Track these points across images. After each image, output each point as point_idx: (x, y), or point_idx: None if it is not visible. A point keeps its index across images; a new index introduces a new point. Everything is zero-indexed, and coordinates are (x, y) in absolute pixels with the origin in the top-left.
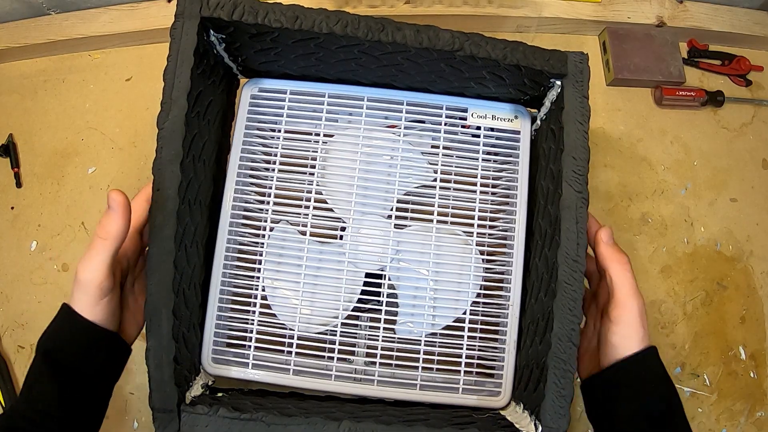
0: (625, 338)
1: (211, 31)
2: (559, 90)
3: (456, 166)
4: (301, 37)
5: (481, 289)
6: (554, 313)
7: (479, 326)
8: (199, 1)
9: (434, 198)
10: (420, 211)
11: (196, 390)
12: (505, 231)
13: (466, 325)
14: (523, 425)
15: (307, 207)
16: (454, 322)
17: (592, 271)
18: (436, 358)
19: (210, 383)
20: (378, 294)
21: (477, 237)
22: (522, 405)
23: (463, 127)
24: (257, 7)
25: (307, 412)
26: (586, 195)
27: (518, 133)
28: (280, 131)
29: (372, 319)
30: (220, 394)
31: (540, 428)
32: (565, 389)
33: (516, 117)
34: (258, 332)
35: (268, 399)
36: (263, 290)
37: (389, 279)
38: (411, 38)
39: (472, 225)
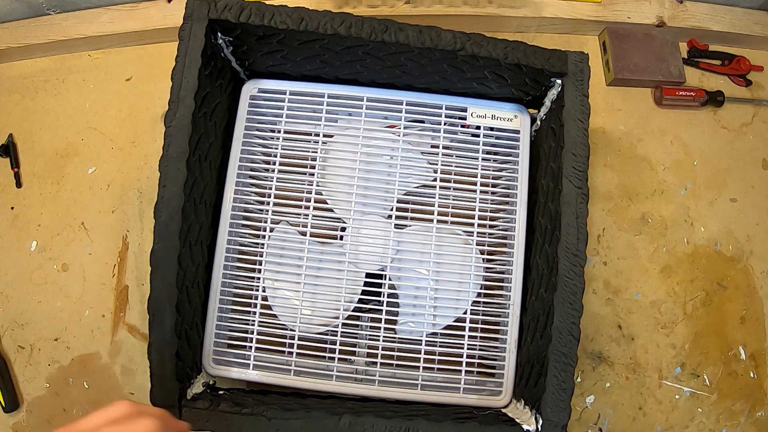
0: None
1: (219, 34)
2: (559, 89)
3: (456, 166)
4: (306, 39)
5: (481, 288)
6: (555, 306)
7: (480, 326)
8: (207, 4)
9: (434, 198)
10: (420, 211)
11: (197, 388)
12: (506, 230)
13: (467, 324)
14: (524, 419)
15: (307, 207)
16: (454, 321)
17: None
18: (437, 357)
19: (211, 383)
20: (379, 294)
21: (477, 237)
22: (523, 401)
23: (462, 126)
24: (263, 9)
25: (308, 407)
26: (586, 191)
27: (518, 132)
28: (279, 131)
29: (373, 320)
30: (221, 392)
31: (541, 422)
32: (566, 382)
33: (516, 116)
34: (259, 333)
35: (269, 396)
36: (264, 291)
37: (390, 279)
38: (414, 38)
39: (472, 224)
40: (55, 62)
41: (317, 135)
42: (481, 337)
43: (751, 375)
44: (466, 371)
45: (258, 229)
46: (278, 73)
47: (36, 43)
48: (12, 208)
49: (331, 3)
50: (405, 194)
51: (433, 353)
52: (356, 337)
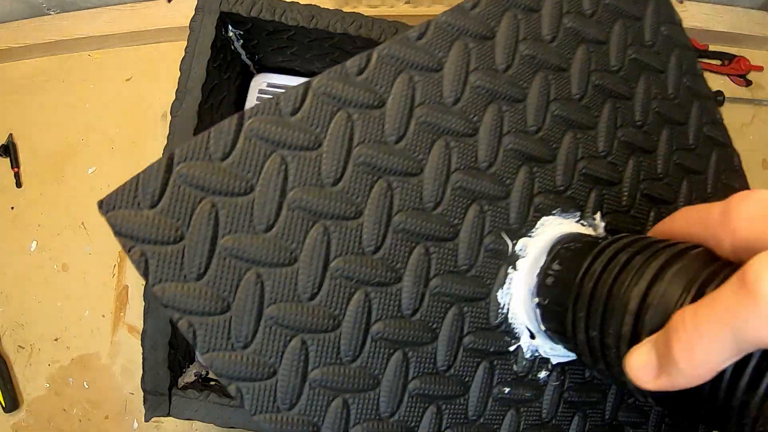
0: None
1: (230, 27)
2: None
3: None
4: (316, 37)
5: None
6: None
7: None
8: None
9: None
10: None
11: (188, 377)
12: None
13: None
14: None
15: None
16: None
17: None
18: None
19: (204, 374)
20: None
21: None
22: None
23: None
24: (275, 5)
25: None
26: None
27: None
28: None
29: None
30: (212, 383)
31: None
32: None
33: None
34: None
35: None
36: None
37: None
38: None
39: None
40: (55, 62)
41: None
42: None
43: None
44: None
45: None
46: (288, 69)
47: (36, 43)
48: (12, 208)
49: (331, 2)
50: None
51: None
52: None
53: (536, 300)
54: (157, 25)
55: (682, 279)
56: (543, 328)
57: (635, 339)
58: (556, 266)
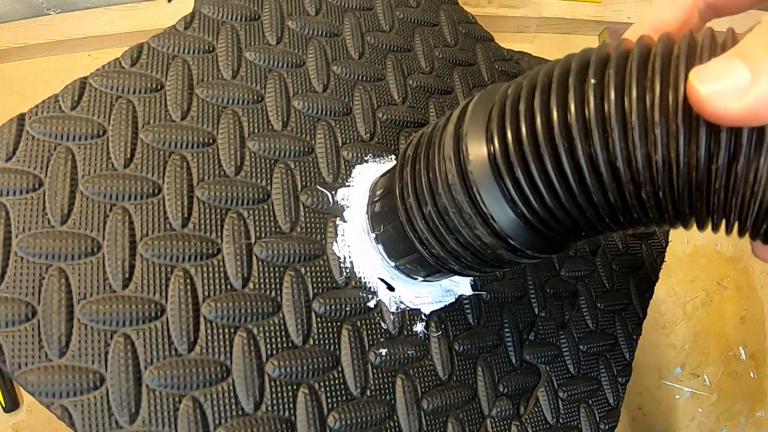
0: None
1: None
2: None
3: None
4: None
5: None
6: None
7: None
8: None
9: None
10: None
11: None
12: None
13: None
14: None
15: None
16: None
17: None
18: None
19: None
20: None
21: None
22: None
23: None
24: None
25: None
26: None
27: None
28: None
29: None
30: None
31: None
32: None
33: None
34: None
35: None
36: None
37: None
38: None
39: None
40: (55, 62)
41: None
42: None
43: (751, 375)
44: None
45: None
46: None
47: (36, 43)
48: None
49: None
50: None
51: None
52: None
53: (374, 235)
54: (157, 25)
55: (486, 103)
56: (393, 264)
57: (465, 179)
58: (378, 191)
